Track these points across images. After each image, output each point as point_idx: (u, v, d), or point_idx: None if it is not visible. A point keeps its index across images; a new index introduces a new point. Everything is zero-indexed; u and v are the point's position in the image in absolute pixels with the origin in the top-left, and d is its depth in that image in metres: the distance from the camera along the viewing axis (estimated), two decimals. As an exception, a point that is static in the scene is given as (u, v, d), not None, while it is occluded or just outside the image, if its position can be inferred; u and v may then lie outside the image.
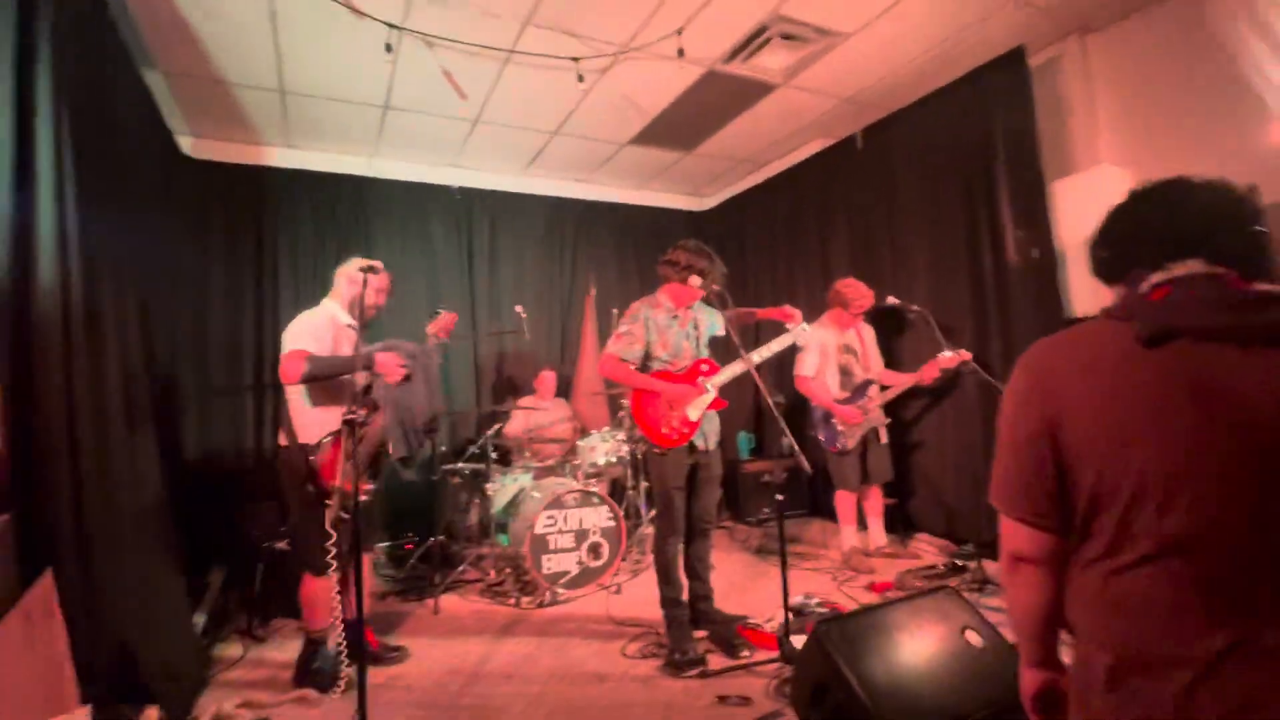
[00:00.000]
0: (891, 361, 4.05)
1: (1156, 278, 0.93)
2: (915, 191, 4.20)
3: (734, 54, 3.58)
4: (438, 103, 4.03)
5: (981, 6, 3.24)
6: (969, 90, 3.79)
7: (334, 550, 2.26)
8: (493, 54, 3.48)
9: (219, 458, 4.25)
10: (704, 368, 2.85)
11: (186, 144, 4.28)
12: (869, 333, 3.98)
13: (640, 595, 3.40)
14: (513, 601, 3.47)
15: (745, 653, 2.66)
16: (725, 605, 3.01)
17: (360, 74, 3.66)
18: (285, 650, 2.81)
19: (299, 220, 4.65)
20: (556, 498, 3.56)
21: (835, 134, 4.73)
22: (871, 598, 3.21)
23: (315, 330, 2.54)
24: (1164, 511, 0.83)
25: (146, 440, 2.69)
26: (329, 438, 2.40)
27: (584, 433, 4.34)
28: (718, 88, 3.97)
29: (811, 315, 3.24)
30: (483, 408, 4.93)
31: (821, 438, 3.79)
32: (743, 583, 3.64)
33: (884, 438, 3.85)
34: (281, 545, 3.22)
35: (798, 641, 2.29)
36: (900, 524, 4.19)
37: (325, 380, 2.47)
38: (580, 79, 3.61)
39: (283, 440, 2.58)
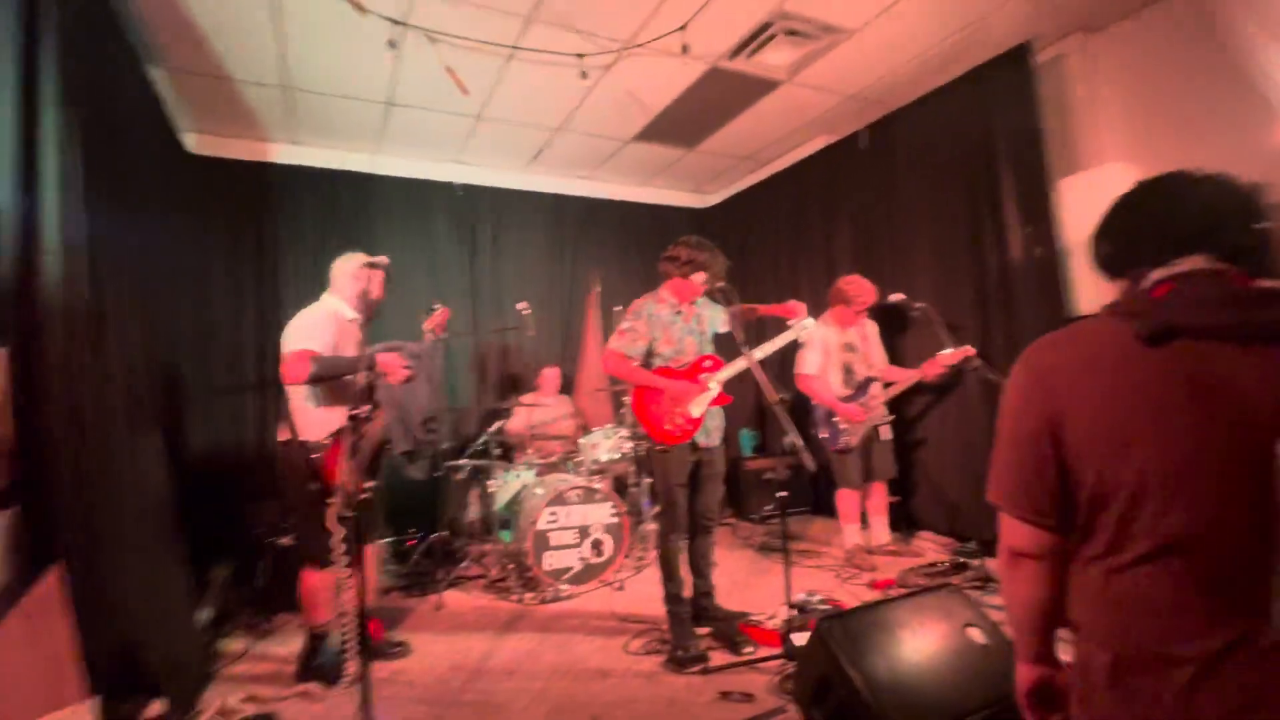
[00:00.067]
0: (895, 359, 4.04)
1: (1159, 274, 0.92)
2: (919, 188, 4.19)
3: (738, 50, 3.57)
4: (441, 99, 4.03)
5: (985, 3, 3.23)
6: (973, 87, 3.78)
7: (337, 546, 2.27)
8: (496, 50, 3.48)
9: (222, 453, 4.26)
10: (707, 364, 2.85)
11: (190, 141, 4.29)
12: (872, 329, 3.97)
13: (643, 592, 3.40)
14: (515, 597, 3.48)
15: (748, 649, 2.66)
16: (728, 602, 3.02)
17: (363, 70, 3.67)
18: (289, 645, 2.82)
19: (302, 217, 4.65)
20: (559, 494, 3.57)
21: (839, 131, 4.71)
22: (874, 595, 3.21)
23: (319, 327, 2.54)
24: (1164, 510, 0.83)
25: (151, 436, 2.71)
26: (329, 439, 2.41)
27: (586, 429, 4.35)
28: (721, 84, 3.96)
29: (814, 313, 3.23)
30: (485, 404, 4.94)
31: (824, 436, 3.78)
32: (745, 580, 3.64)
33: (886, 435, 3.85)
34: (284, 541, 3.24)
35: (800, 639, 2.30)
36: (903, 521, 4.19)
37: (330, 380, 2.49)
38: (584, 75, 3.60)
39: (284, 435, 2.59)
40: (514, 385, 5.19)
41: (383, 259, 2.47)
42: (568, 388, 5.19)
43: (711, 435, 2.86)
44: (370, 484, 2.45)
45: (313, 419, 2.51)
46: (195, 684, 2.49)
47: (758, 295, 5.41)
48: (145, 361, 2.78)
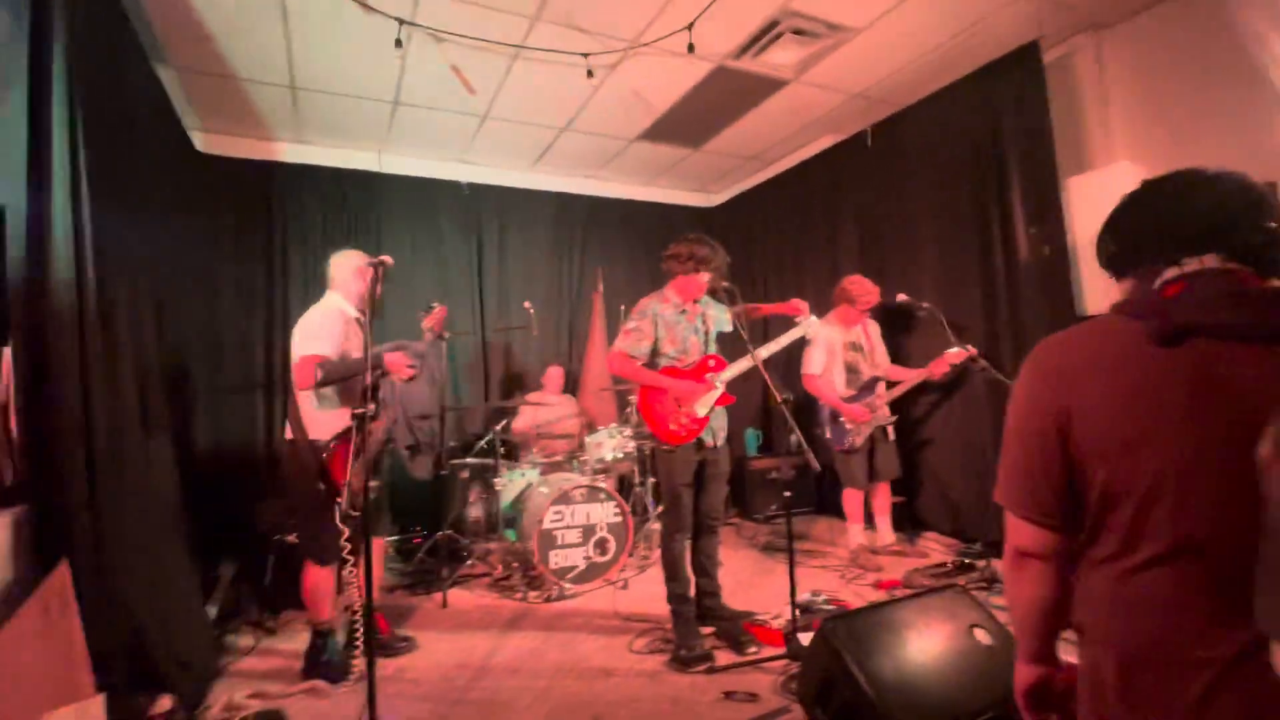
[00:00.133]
0: (900, 359, 4.03)
1: (1170, 273, 0.91)
2: (925, 187, 4.17)
3: (744, 49, 3.57)
4: (447, 98, 4.04)
5: (992, 1, 3.20)
6: (980, 86, 3.76)
7: (345, 544, 2.29)
8: (502, 49, 3.48)
9: (230, 452, 4.27)
10: (711, 363, 2.84)
11: (198, 139, 4.31)
12: (875, 329, 3.96)
13: (647, 591, 3.40)
14: (520, 596, 3.49)
15: (752, 649, 2.66)
16: (732, 601, 3.01)
17: (370, 69, 3.68)
18: (295, 642, 2.84)
19: (308, 215, 4.67)
20: (564, 493, 3.57)
21: (845, 130, 4.70)
22: (879, 595, 3.20)
23: (326, 329, 2.57)
24: (1178, 511, 0.82)
25: (159, 434, 2.72)
26: (335, 440, 2.44)
27: (591, 429, 4.35)
28: (727, 83, 3.96)
29: (819, 312, 3.23)
30: (490, 403, 4.95)
31: (829, 436, 3.78)
32: (750, 579, 3.64)
33: (891, 435, 3.84)
34: (291, 538, 3.25)
35: (805, 638, 2.29)
36: (908, 522, 4.18)
37: (337, 383, 2.51)
38: (590, 74, 3.60)
39: (291, 434, 2.61)
40: (519, 384, 5.20)
41: (387, 259, 2.46)
42: (572, 387, 5.19)
43: (716, 435, 2.86)
44: (374, 483, 2.48)
45: (319, 419, 2.53)
46: (203, 679, 2.50)
47: (762, 295, 5.42)
48: (155, 359, 2.80)
